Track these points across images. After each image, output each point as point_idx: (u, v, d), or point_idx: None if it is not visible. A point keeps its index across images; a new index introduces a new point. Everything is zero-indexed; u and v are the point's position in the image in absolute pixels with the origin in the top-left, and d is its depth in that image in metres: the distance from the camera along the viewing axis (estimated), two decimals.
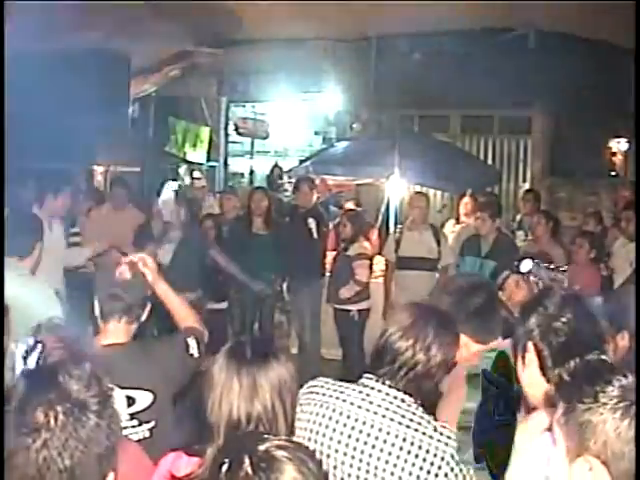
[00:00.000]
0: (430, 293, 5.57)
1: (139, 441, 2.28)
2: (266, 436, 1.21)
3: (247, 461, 1.12)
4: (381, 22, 8.89)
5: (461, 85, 9.56)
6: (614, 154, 10.18)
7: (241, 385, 1.69)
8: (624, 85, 7.95)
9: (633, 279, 4.99)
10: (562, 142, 9.62)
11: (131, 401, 2.32)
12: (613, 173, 10.19)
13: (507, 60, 9.32)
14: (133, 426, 2.32)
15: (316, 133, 11.80)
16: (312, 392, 2.01)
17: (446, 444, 1.82)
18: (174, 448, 1.84)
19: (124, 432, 2.23)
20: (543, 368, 1.79)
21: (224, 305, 6.35)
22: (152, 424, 2.38)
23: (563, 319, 1.82)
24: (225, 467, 1.14)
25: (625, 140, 9.97)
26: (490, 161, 10.42)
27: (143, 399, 2.36)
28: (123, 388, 2.18)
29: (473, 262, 5.57)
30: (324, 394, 1.98)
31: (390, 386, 1.91)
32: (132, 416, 2.32)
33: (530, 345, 1.82)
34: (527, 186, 9.91)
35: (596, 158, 10.01)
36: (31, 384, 1.18)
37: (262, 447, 1.15)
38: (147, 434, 2.37)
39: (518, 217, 7.49)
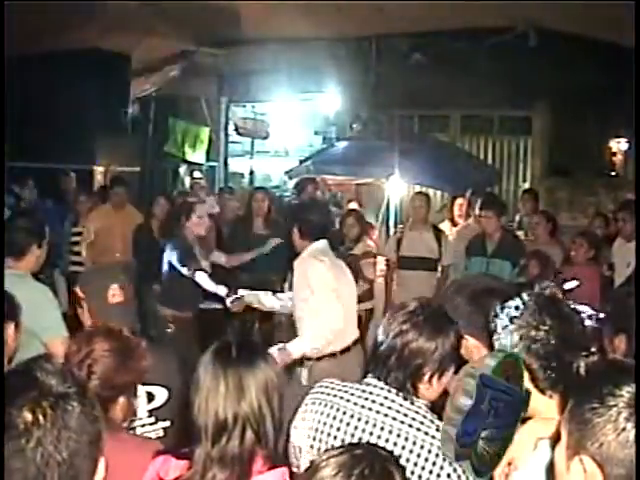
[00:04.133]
0: (442, 294, 5.58)
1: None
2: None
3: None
4: (381, 22, 8.89)
5: (461, 85, 9.57)
6: (614, 154, 10.19)
7: (227, 386, 1.67)
8: (624, 85, 7.95)
9: (631, 280, 5.00)
10: (562, 142, 9.63)
11: (151, 397, 2.34)
12: (613, 173, 10.19)
13: (507, 60, 9.33)
14: (150, 423, 2.33)
15: (316, 133, 11.80)
16: (318, 392, 2.03)
17: None
18: (162, 451, 1.83)
19: (140, 429, 2.26)
20: (535, 380, 1.75)
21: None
22: (167, 423, 2.38)
23: (544, 327, 1.76)
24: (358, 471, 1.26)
25: (625, 140, 9.97)
26: (490, 161, 10.42)
27: (160, 395, 2.38)
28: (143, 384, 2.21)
29: (480, 262, 5.58)
30: (329, 394, 2.00)
31: (391, 384, 1.91)
32: (150, 413, 2.34)
33: None
34: (527, 186, 9.91)
35: (596, 158, 10.02)
36: (11, 385, 1.17)
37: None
38: (161, 433, 2.37)
39: (517, 217, 7.48)
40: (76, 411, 1.17)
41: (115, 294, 2.59)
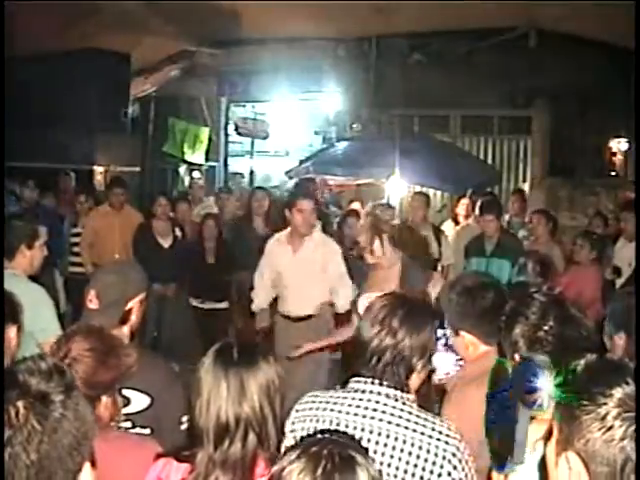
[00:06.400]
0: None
1: None
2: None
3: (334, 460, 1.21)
4: (381, 22, 8.89)
5: (461, 85, 9.57)
6: (614, 154, 10.18)
7: (229, 387, 1.66)
8: (624, 85, 7.96)
9: (632, 280, 5.00)
10: (562, 142, 9.62)
11: (126, 401, 2.29)
12: (613, 173, 10.19)
13: (507, 60, 9.33)
14: (126, 428, 2.27)
15: (316, 133, 11.78)
16: (304, 408, 1.97)
17: (446, 442, 1.80)
18: (163, 454, 1.80)
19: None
20: None
21: (224, 305, 6.34)
22: (147, 431, 2.32)
23: (546, 327, 1.80)
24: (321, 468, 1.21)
25: (625, 140, 9.97)
26: (490, 161, 10.42)
27: (139, 401, 2.31)
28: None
29: (479, 263, 5.59)
30: (317, 408, 1.94)
31: (381, 384, 1.88)
32: (126, 417, 2.30)
33: (517, 357, 1.79)
34: (527, 186, 9.91)
35: (596, 158, 10.02)
36: None
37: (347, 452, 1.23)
38: None
39: (507, 217, 7.40)
40: (54, 414, 1.14)
41: (91, 299, 2.46)
